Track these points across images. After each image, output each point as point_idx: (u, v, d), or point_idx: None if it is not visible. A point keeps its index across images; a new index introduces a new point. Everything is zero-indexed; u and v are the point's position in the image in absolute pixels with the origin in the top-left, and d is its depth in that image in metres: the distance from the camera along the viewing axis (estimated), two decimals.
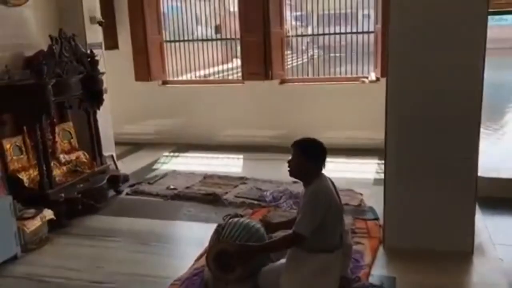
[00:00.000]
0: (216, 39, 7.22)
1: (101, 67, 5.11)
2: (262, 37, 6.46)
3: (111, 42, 7.00)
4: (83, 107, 4.91)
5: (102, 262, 3.65)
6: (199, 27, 7.66)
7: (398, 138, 3.64)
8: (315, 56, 7.70)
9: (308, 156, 2.85)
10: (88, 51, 4.86)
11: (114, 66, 7.07)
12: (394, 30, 3.47)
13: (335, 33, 6.96)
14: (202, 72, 7.73)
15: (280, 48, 6.72)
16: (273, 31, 6.50)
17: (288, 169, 2.98)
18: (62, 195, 4.39)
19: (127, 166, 6.17)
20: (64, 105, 4.75)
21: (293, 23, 7.76)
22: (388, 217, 3.75)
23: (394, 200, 3.70)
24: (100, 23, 5.28)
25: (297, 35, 7.23)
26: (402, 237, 3.68)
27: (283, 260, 3.01)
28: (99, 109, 5.01)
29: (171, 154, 6.78)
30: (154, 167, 6.20)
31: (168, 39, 7.47)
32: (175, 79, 7.49)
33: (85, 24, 5.15)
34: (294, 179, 3.05)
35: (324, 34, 7.16)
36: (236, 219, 3.24)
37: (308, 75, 7.18)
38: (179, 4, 7.40)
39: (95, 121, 5.04)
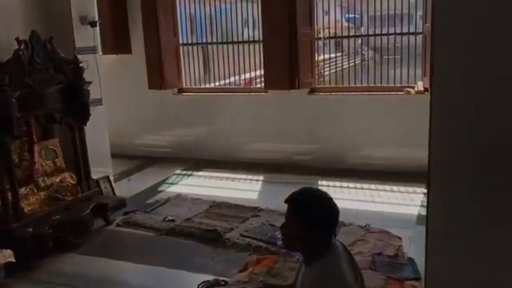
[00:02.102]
0: (238, 42, 6.34)
1: (92, 75, 4.36)
2: (287, 39, 5.52)
3: (123, 46, 6.33)
4: (65, 122, 4.16)
5: None
6: (246, 29, 6.83)
7: (446, 170, 2.59)
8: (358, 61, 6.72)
9: (309, 224, 1.91)
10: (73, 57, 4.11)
11: (127, 73, 6.44)
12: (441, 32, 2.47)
13: (375, 35, 5.91)
14: (229, 79, 6.87)
15: (310, 52, 5.76)
16: (300, 32, 5.54)
17: (282, 237, 2.07)
18: (30, 229, 3.66)
19: (131, 186, 5.43)
20: (38, 121, 4.01)
21: (345, 24, 6.89)
22: (432, 280, 2.71)
23: (441, 253, 2.65)
24: (92, 24, 4.52)
25: (330, 37, 6.21)
26: None
27: None
28: (85, 124, 4.24)
29: (183, 172, 5.96)
30: (160, 188, 5.40)
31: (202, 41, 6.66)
32: (193, 87, 6.67)
33: (73, 24, 4.40)
34: None
35: (362, 36, 6.14)
36: None
37: (343, 83, 6.17)
38: (227, 6, 6.57)
39: (82, 138, 4.29)
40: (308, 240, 1.92)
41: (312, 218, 1.91)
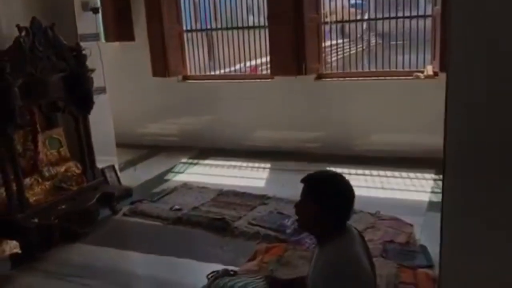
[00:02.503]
0: (243, 27, 6.22)
1: (95, 63, 4.28)
2: (293, 25, 5.40)
3: (125, 33, 6.22)
4: (69, 111, 4.08)
5: None
6: (251, 15, 6.70)
7: (463, 156, 2.50)
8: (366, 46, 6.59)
9: (325, 205, 1.89)
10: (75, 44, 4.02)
11: (130, 61, 6.35)
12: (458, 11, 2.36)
13: (382, 18, 5.75)
14: (235, 67, 6.76)
15: (316, 37, 5.63)
16: (307, 17, 5.42)
17: (296, 218, 2.01)
18: (35, 220, 3.60)
19: (137, 175, 5.37)
20: (42, 110, 3.93)
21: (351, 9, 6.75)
22: (446, 269, 2.63)
23: (457, 241, 2.56)
24: (94, 10, 4.42)
25: (336, 22, 6.08)
26: None
27: None
28: (88, 113, 4.16)
29: (189, 161, 5.89)
30: (166, 177, 5.34)
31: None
32: (197, 74, 6.57)
33: (75, 11, 4.30)
34: None
35: (369, 20, 5.99)
36: (223, 282, 2.29)
37: (350, 68, 6.05)
38: None
39: (86, 127, 4.21)
40: (322, 220, 1.89)
41: (327, 198, 1.88)
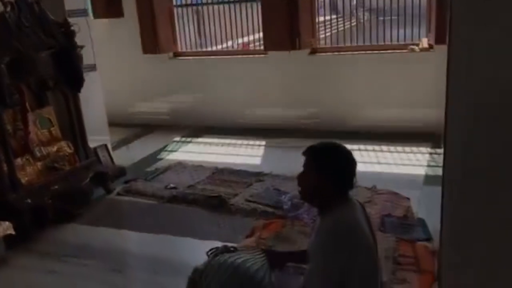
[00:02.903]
0: (234, 1, 6.08)
1: (84, 40, 4.16)
2: None
3: (114, 9, 6.05)
4: (59, 89, 3.98)
5: None
6: None
7: (465, 128, 2.44)
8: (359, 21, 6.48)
9: (327, 173, 1.89)
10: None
11: (119, 38, 6.22)
12: None
13: None
14: (226, 44, 6.63)
15: (310, 10, 5.53)
16: None
17: (299, 189, 2.00)
18: (28, 200, 3.54)
19: (130, 154, 5.31)
20: (31, 88, 3.83)
21: None
22: (448, 241, 2.60)
23: (458, 214, 2.53)
24: None
25: None
26: (471, 274, 2.55)
27: None
28: (79, 91, 4.06)
29: (182, 139, 5.82)
30: (160, 156, 5.27)
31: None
32: (188, 50, 6.45)
33: None
34: None
35: None
36: (223, 258, 2.24)
37: (344, 43, 5.96)
38: None
39: (76, 106, 4.12)
40: (324, 190, 1.89)
41: (328, 167, 1.88)
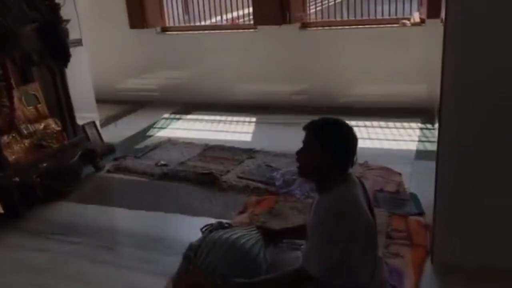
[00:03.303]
0: None
1: (69, 14, 4.04)
2: None
3: None
4: (44, 64, 3.88)
5: (47, 277, 2.73)
6: None
7: (460, 101, 2.42)
8: None
9: (329, 150, 1.84)
10: None
11: (105, 12, 6.07)
12: None
13: None
14: (215, 19, 6.50)
15: None
16: None
17: (298, 165, 1.96)
18: (16, 179, 3.47)
19: (119, 131, 5.23)
20: (15, 64, 3.72)
21: None
22: (441, 215, 2.61)
23: (452, 189, 2.54)
24: None
25: None
26: (463, 248, 2.57)
27: None
28: (65, 66, 3.97)
29: (172, 116, 5.75)
30: (149, 133, 5.21)
31: None
32: (176, 25, 6.32)
33: None
34: None
35: None
36: (218, 234, 2.23)
37: (335, 17, 5.88)
38: None
39: (63, 82, 4.03)
40: (324, 166, 1.85)
41: (330, 142, 1.83)
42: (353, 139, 1.87)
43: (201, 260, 2.10)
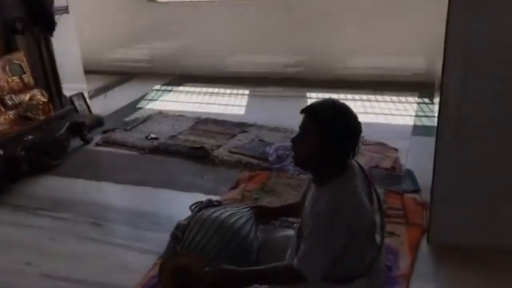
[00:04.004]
0: None
1: None
2: None
3: None
4: (29, 33, 3.71)
5: (33, 254, 2.65)
6: None
7: (463, 75, 2.30)
8: None
9: (329, 139, 1.64)
10: None
11: None
12: None
13: None
14: None
15: None
16: None
17: (293, 154, 1.80)
18: (1, 152, 3.35)
19: (108, 103, 5.09)
20: None
21: None
22: (438, 193, 2.53)
23: (450, 165, 2.45)
24: None
25: None
26: (460, 227, 2.50)
27: None
28: (51, 35, 3.80)
29: (163, 87, 5.60)
30: (139, 105, 5.07)
31: None
32: None
33: None
34: None
35: None
36: (207, 213, 2.13)
37: None
38: None
39: (49, 51, 3.87)
40: (323, 156, 1.66)
41: (330, 131, 1.63)
42: (356, 128, 1.68)
43: (189, 240, 2.00)
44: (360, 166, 1.81)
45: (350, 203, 1.65)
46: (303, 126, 1.70)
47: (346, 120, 1.66)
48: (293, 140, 1.74)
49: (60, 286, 2.38)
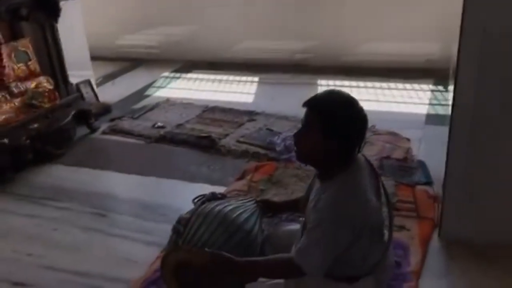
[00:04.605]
0: None
1: None
2: None
3: None
4: (33, 19, 3.65)
5: (35, 245, 2.61)
6: None
7: (479, 61, 2.19)
8: None
9: (333, 134, 1.56)
10: None
11: None
12: None
13: None
14: None
15: None
16: None
17: (295, 149, 1.71)
18: (5, 141, 3.32)
19: (116, 90, 5.03)
20: (2, 17, 3.49)
21: None
22: (452, 186, 2.43)
23: (464, 157, 2.35)
24: None
25: None
26: (474, 221, 2.41)
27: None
28: (56, 21, 3.74)
29: (171, 74, 5.52)
30: (147, 92, 5.01)
31: None
32: None
33: None
34: None
35: None
36: (210, 206, 2.06)
37: None
38: None
39: (54, 37, 3.81)
40: (328, 151, 1.58)
41: (334, 126, 1.55)
42: (362, 122, 1.59)
43: (191, 234, 1.94)
44: (367, 160, 1.72)
45: (354, 199, 1.57)
46: (306, 119, 1.62)
47: (351, 113, 1.57)
48: (296, 135, 1.66)
49: (62, 278, 2.35)
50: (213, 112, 4.24)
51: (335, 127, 1.55)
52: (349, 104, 1.59)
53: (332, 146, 1.56)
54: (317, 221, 1.56)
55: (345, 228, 1.54)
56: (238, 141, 3.62)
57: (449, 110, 2.40)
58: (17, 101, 3.69)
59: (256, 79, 5.16)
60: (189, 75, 5.47)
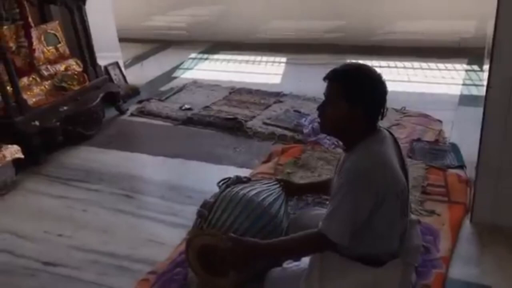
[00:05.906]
0: None
1: None
2: None
3: None
4: (62, 2, 3.67)
5: (65, 226, 2.66)
6: None
7: None
8: None
9: (355, 103, 1.59)
10: None
11: None
12: None
13: None
14: None
15: None
16: None
17: (318, 121, 1.75)
18: (36, 123, 3.38)
19: (144, 72, 5.06)
20: (31, 1, 3.52)
21: None
22: (485, 169, 2.35)
23: (499, 139, 2.26)
24: None
25: None
26: (507, 207, 2.32)
27: (299, 262, 1.86)
28: (83, 3, 3.75)
29: (199, 56, 5.51)
30: (175, 74, 5.01)
31: None
32: None
33: None
34: None
35: None
36: (235, 190, 2.05)
37: None
38: None
39: (82, 20, 3.82)
40: (351, 122, 1.61)
41: (357, 94, 1.58)
42: (382, 89, 1.61)
43: (216, 218, 1.94)
44: (391, 133, 1.71)
45: (377, 163, 1.58)
46: (328, 91, 1.66)
47: (372, 77, 1.61)
48: (320, 107, 1.70)
49: (90, 259, 2.39)
50: (240, 94, 4.21)
51: (358, 91, 1.59)
52: (368, 71, 1.63)
53: (357, 112, 1.59)
54: (340, 187, 1.58)
55: (367, 192, 1.54)
56: (265, 123, 3.59)
57: (483, 91, 2.30)
58: (47, 84, 3.74)
59: (283, 59, 5.09)
60: (217, 56, 5.44)
